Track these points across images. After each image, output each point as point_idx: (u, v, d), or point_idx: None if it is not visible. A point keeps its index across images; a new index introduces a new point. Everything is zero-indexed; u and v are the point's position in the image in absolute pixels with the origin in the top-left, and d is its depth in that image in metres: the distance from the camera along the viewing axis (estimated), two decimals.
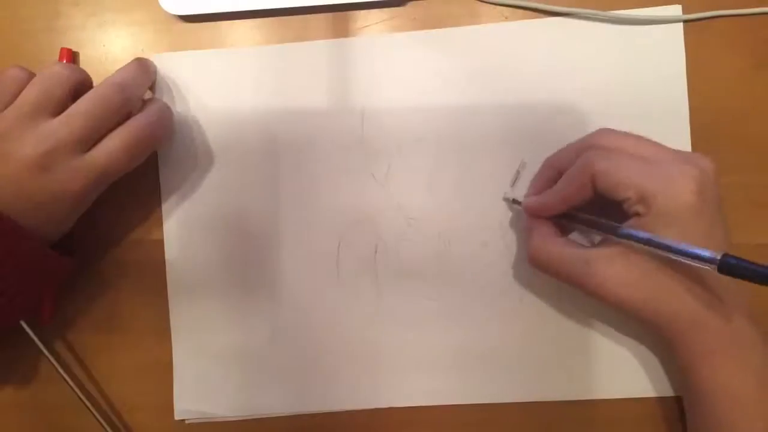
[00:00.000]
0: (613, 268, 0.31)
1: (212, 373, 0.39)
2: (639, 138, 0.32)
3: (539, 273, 0.34)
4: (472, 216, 0.38)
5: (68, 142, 0.32)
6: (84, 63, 0.40)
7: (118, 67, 0.40)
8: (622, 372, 0.37)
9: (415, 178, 0.38)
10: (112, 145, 0.33)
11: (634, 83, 0.38)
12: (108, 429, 0.38)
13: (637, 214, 0.30)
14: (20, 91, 0.33)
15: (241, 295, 0.39)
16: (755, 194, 0.38)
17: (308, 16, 0.39)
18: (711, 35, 0.38)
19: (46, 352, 0.37)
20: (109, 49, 0.40)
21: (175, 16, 0.39)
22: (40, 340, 0.36)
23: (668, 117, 0.38)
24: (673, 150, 0.32)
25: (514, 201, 0.37)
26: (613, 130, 0.33)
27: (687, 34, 0.38)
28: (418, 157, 0.38)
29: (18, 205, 0.31)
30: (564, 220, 0.35)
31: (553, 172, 0.35)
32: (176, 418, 0.39)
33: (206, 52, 0.39)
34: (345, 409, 0.38)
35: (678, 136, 0.37)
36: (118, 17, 0.40)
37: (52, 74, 0.33)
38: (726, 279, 0.28)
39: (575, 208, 0.34)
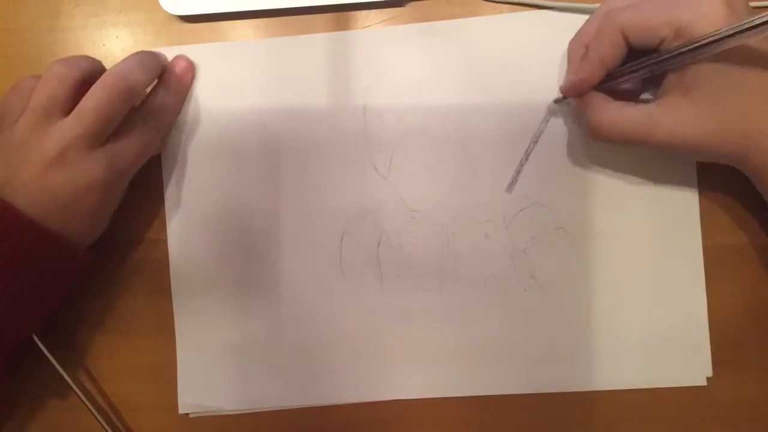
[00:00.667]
0: (681, 110, 0.31)
1: (216, 367, 0.39)
2: None
3: (544, 260, 0.34)
4: (474, 208, 0.38)
5: (83, 138, 0.33)
6: None
7: None
8: (625, 364, 0.37)
9: (417, 170, 0.38)
10: (118, 138, 0.34)
11: None
12: (108, 429, 0.38)
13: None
14: None
15: (244, 289, 0.39)
16: (757, 195, 0.38)
17: (308, 16, 0.39)
18: None
19: (46, 351, 0.37)
20: (109, 49, 0.40)
21: (175, 16, 0.39)
22: (41, 339, 0.36)
23: None
24: None
25: (558, 100, 0.37)
26: None
27: None
28: (421, 149, 0.38)
29: (44, 206, 0.32)
30: (612, 84, 0.34)
31: (582, 49, 0.34)
32: (180, 412, 0.39)
33: (206, 46, 0.39)
34: (347, 402, 0.38)
35: None
36: (118, 17, 0.40)
37: (53, 75, 0.34)
38: None
39: (613, 73, 0.33)
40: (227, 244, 0.39)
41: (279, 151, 0.39)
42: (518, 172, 0.38)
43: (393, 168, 0.39)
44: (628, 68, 0.33)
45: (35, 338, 0.36)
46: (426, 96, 0.38)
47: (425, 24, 0.39)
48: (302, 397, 0.39)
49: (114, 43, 0.40)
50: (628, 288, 0.37)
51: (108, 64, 0.40)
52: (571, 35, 0.37)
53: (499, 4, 0.38)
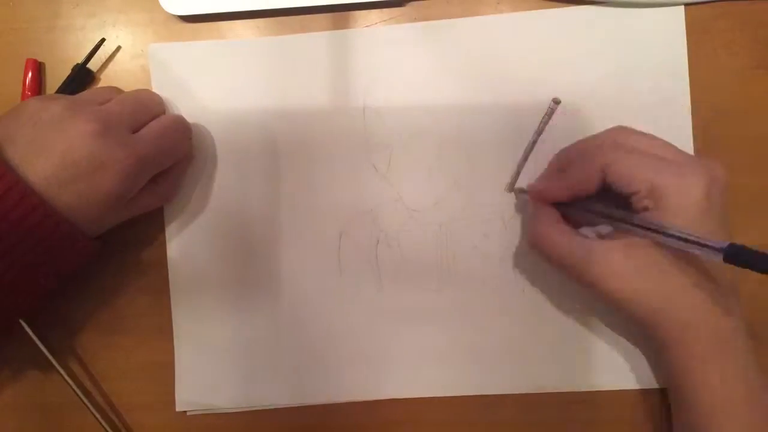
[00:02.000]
0: (614, 258, 0.31)
1: (213, 365, 0.39)
2: (654, 138, 0.33)
3: (541, 263, 0.34)
4: (473, 208, 0.38)
5: (120, 116, 0.33)
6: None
7: (118, 67, 0.40)
8: (624, 363, 0.37)
9: (416, 169, 0.38)
10: (154, 128, 0.35)
11: (635, 75, 0.38)
12: (108, 429, 0.38)
13: (645, 209, 0.31)
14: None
15: (242, 287, 0.39)
16: (755, 194, 0.38)
17: (308, 16, 0.39)
18: (711, 35, 0.38)
19: (46, 351, 0.37)
20: (109, 49, 0.40)
21: (175, 16, 0.39)
22: (40, 339, 0.36)
23: (669, 111, 0.38)
24: (687, 153, 0.33)
25: (521, 190, 0.37)
26: (629, 128, 0.34)
27: (687, 34, 0.38)
28: (420, 148, 0.38)
29: (60, 175, 0.31)
30: (571, 210, 0.35)
31: (563, 163, 0.36)
32: (177, 410, 0.39)
33: (206, 43, 0.39)
34: (345, 400, 0.38)
35: (680, 131, 0.37)
36: (118, 17, 0.40)
37: (143, 99, 0.36)
38: (723, 281, 0.29)
39: (577, 199, 0.34)
40: (225, 243, 0.39)
41: (278, 150, 0.39)
42: (518, 172, 0.38)
43: (392, 167, 0.39)
44: (594, 209, 0.33)
45: (35, 338, 0.36)
46: (426, 95, 0.38)
47: (425, 23, 0.39)
48: (300, 395, 0.39)
49: (114, 43, 0.40)
50: None
51: (108, 64, 0.40)
52: (572, 35, 0.37)
53: (500, 4, 0.38)
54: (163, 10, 0.38)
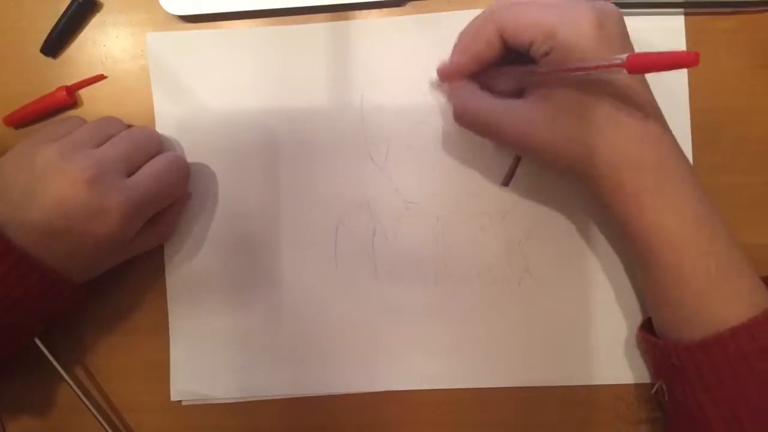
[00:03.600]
0: (536, 111, 0.31)
1: (209, 355, 0.39)
2: None
3: (538, 255, 0.35)
4: (470, 200, 0.38)
5: (115, 160, 0.33)
6: (84, 63, 0.40)
7: (117, 67, 0.40)
8: (621, 357, 0.37)
9: (413, 161, 0.38)
10: (149, 170, 0.35)
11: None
12: (108, 429, 0.38)
13: (546, 54, 0.30)
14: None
15: (238, 278, 0.39)
16: (755, 194, 0.38)
17: (308, 16, 0.39)
18: (711, 35, 0.38)
19: (46, 351, 0.37)
20: (109, 49, 0.40)
21: (175, 16, 0.39)
22: (41, 340, 0.36)
23: (669, 111, 0.37)
24: None
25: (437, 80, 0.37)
26: None
27: (687, 34, 0.38)
28: (417, 140, 0.38)
29: (53, 224, 0.31)
30: (483, 79, 0.34)
31: (466, 41, 0.35)
32: (172, 399, 0.39)
33: (204, 32, 0.39)
34: (341, 392, 0.38)
35: (680, 131, 0.37)
36: (118, 17, 0.40)
37: (136, 138, 0.36)
38: (645, 106, 0.30)
39: (487, 68, 0.34)
40: (222, 233, 0.39)
41: (275, 141, 0.39)
42: (515, 165, 0.38)
43: (389, 159, 0.39)
44: (497, 71, 0.33)
45: (36, 339, 0.36)
46: (424, 88, 0.38)
47: (424, 15, 0.39)
48: (296, 386, 0.39)
49: (114, 43, 0.40)
50: (624, 282, 0.38)
51: (108, 64, 0.40)
52: None
53: None
54: (163, 10, 0.38)
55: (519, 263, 0.38)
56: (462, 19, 0.38)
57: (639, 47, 0.37)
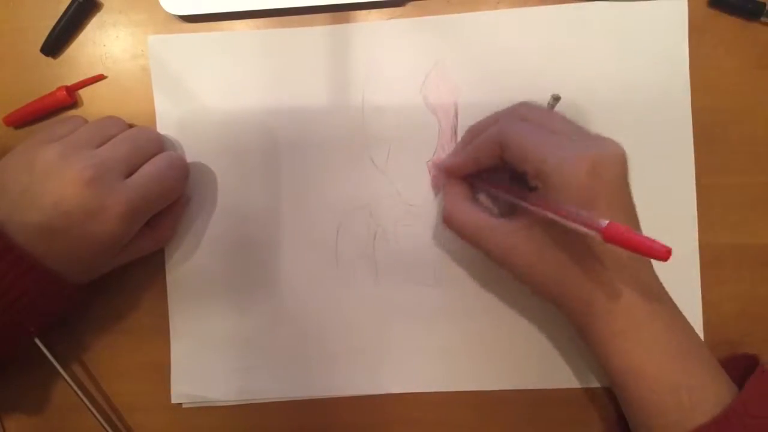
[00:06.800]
0: (516, 240, 0.32)
1: (210, 358, 0.39)
2: (554, 114, 0.33)
3: None
4: None
5: (114, 161, 0.33)
6: (84, 63, 0.40)
7: (117, 67, 0.40)
8: None
9: (414, 164, 0.38)
10: (147, 171, 0.35)
11: (635, 72, 0.38)
12: (108, 429, 0.38)
13: (536, 187, 0.31)
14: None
15: (239, 280, 0.39)
16: (755, 194, 0.38)
17: (308, 16, 0.39)
18: (711, 35, 0.38)
19: (46, 351, 0.36)
20: (109, 49, 0.40)
21: (175, 16, 0.39)
22: (41, 340, 0.36)
23: (670, 108, 0.38)
24: (585, 130, 0.32)
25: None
26: (532, 103, 0.34)
27: (688, 34, 0.38)
28: (418, 142, 0.38)
29: (53, 223, 0.31)
30: (476, 182, 0.35)
31: (472, 136, 0.36)
32: (173, 401, 0.39)
33: (205, 35, 0.39)
34: (342, 395, 0.38)
35: (679, 130, 0.38)
36: (118, 17, 0.40)
37: (137, 139, 0.36)
38: (624, 258, 0.29)
39: (487, 171, 0.34)
40: (222, 236, 0.39)
41: (276, 143, 0.39)
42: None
43: (390, 161, 0.39)
44: (492, 185, 0.34)
45: (36, 339, 0.36)
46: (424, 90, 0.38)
47: (425, 18, 0.39)
48: (296, 389, 0.39)
49: (114, 43, 0.40)
50: None
51: (108, 64, 0.40)
52: (572, 31, 0.37)
53: (499, 3, 0.38)
54: (163, 10, 0.38)
55: None
56: (463, 22, 0.38)
57: (638, 44, 0.38)
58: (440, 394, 0.38)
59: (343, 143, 0.39)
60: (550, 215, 0.29)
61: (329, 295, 0.39)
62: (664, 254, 0.24)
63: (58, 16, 0.39)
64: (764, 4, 0.37)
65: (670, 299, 0.32)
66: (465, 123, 0.38)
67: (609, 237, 0.26)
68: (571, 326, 0.33)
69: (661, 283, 0.32)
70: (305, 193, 0.39)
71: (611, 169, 0.29)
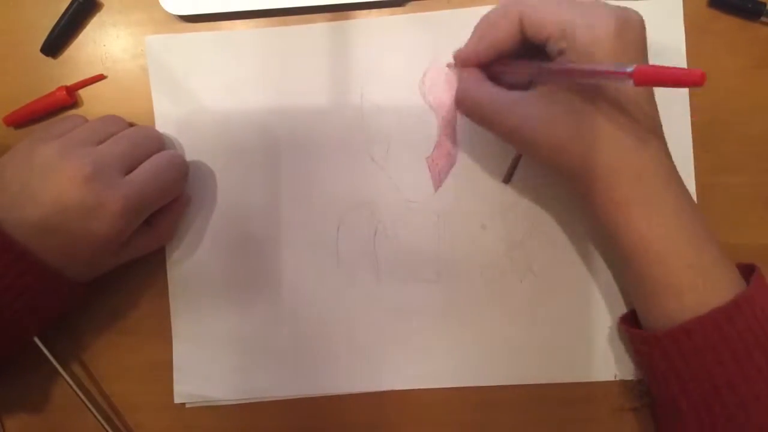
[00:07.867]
0: (536, 106, 0.31)
1: (212, 357, 0.39)
2: None
3: (539, 254, 0.35)
4: (471, 198, 0.38)
5: (113, 158, 0.33)
6: (84, 63, 0.40)
7: (117, 67, 0.40)
8: (623, 355, 0.37)
9: (414, 160, 0.38)
10: (146, 168, 0.35)
11: None
12: (108, 429, 0.38)
13: (560, 52, 0.30)
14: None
15: (240, 279, 0.39)
16: (756, 194, 0.38)
17: (308, 16, 0.39)
18: (711, 35, 0.38)
19: (46, 351, 0.36)
20: (109, 49, 0.40)
21: (175, 16, 0.39)
22: (40, 339, 0.36)
23: (669, 110, 0.37)
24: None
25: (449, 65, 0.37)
26: None
27: (687, 34, 0.38)
28: (418, 139, 0.38)
29: (51, 220, 0.31)
30: (495, 69, 0.34)
31: (485, 25, 0.35)
32: (175, 401, 0.39)
33: (203, 34, 0.39)
34: (344, 392, 0.38)
35: (679, 131, 0.38)
36: (118, 17, 0.40)
37: (138, 138, 0.36)
38: (646, 120, 0.30)
39: (505, 56, 0.33)
40: (223, 234, 0.39)
41: (276, 141, 0.39)
42: (515, 163, 0.38)
43: (390, 158, 0.39)
44: (512, 64, 0.33)
45: (36, 339, 0.36)
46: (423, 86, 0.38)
47: (423, 14, 0.39)
48: (298, 387, 0.39)
49: (114, 43, 0.40)
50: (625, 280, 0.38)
51: (108, 64, 0.40)
52: None
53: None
54: (163, 10, 0.38)
55: (521, 261, 0.38)
56: (462, 17, 0.38)
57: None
58: (443, 391, 0.38)
59: (342, 141, 0.39)
60: (579, 70, 0.29)
61: (331, 292, 0.39)
62: (699, 78, 0.24)
63: (58, 16, 0.39)
64: (764, 4, 0.37)
65: (682, 181, 0.31)
66: (463, 119, 0.38)
67: (640, 78, 0.25)
68: (581, 204, 0.32)
69: (674, 165, 0.31)
70: (305, 190, 0.39)
71: (636, 30, 0.30)
